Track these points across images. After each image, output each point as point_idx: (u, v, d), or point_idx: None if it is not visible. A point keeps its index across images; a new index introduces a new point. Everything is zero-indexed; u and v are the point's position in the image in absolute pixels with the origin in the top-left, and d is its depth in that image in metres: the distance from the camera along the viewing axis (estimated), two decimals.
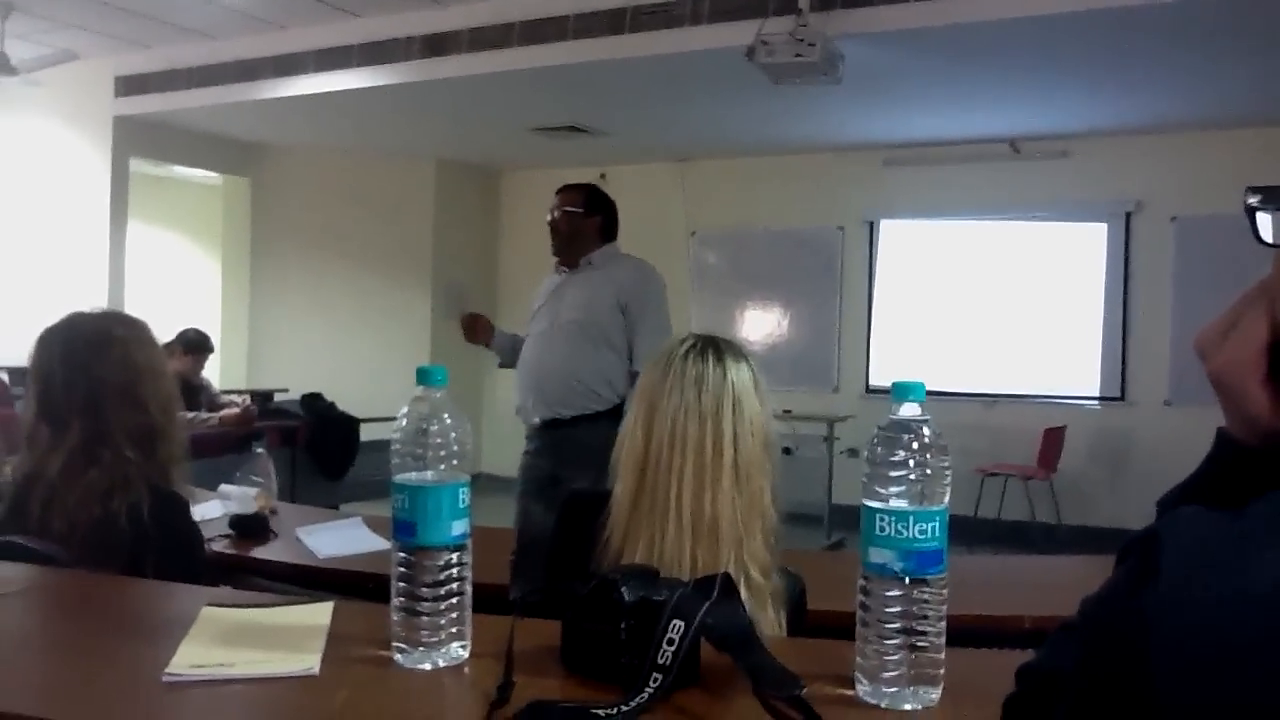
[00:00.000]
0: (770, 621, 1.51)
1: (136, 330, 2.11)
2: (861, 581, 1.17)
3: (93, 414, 1.97)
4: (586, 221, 4.14)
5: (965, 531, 6.88)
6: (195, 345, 6.02)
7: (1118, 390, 7.77)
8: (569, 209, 4.14)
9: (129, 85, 7.67)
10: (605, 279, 4.07)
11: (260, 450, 3.24)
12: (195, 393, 5.81)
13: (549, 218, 4.17)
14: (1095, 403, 7.84)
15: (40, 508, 1.93)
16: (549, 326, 4.08)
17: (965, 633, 1.30)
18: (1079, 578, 2.59)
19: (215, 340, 6.43)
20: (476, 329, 4.23)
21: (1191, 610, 0.55)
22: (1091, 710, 0.60)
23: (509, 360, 4.27)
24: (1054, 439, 7.36)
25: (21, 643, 1.42)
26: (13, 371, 6.87)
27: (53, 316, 2.09)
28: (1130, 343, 7.72)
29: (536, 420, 4.00)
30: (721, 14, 5.59)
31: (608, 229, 4.20)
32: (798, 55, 5.07)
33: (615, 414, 3.90)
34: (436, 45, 6.47)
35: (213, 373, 6.78)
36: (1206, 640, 0.54)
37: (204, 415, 5.65)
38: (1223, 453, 0.73)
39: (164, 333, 2.26)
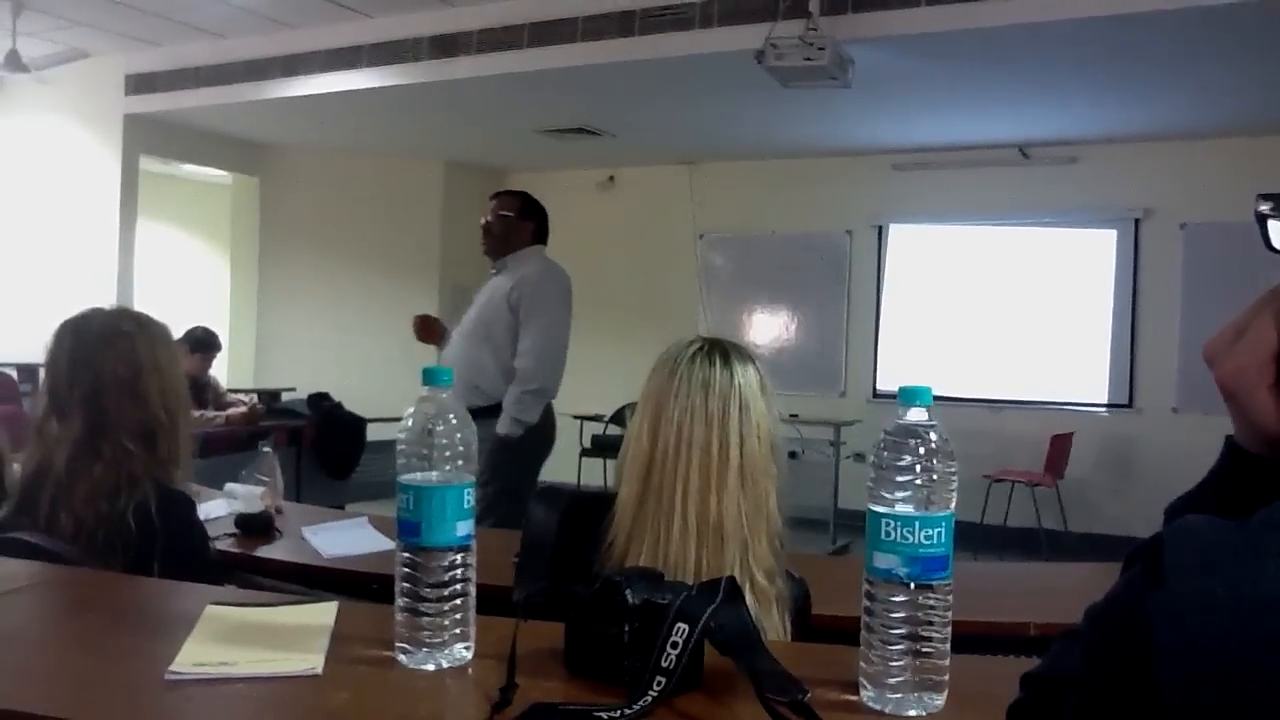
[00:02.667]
0: (775, 625, 1.50)
1: (148, 328, 2.11)
2: (866, 586, 1.16)
3: (95, 406, 1.98)
4: (519, 225, 4.28)
5: (971, 538, 6.86)
6: (202, 344, 6.03)
7: (1125, 397, 7.75)
8: (503, 212, 4.29)
9: (139, 83, 7.69)
10: (507, 279, 4.21)
11: (266, 449, 3.24)
12: (202, 391, 5.82)
13: (483, 220, 4.31)
14: (1103, 409, 7.82)
15: (48, 504, 1.94)
16: (461, 325, 4.31)
17: (971, 639, 1.30)
18: (1085, 585, 2.58)
19: (223, 339, 6.45)
20: (429, 330, 4.41)
21: (1196, 617, 0.54)
22: (1096, 717, 0.60)
23: None
24: (1061, 445, 7.34)
25: (26, 640, 1.42)
26: (20, 368, 6.90)
27: (60, 314, 2.10)
28: (1138, 350, 7.70)
29: None
30: (731, 17, 5.59)
31: (539, 234, 4.34)
32: (807, 59, 5.07)
33: (492, 411, 4.05)
34: (446, 46, 6.48)
35: (220, 371, 6.79)
36: (1212, 647, 0.53)
37: (210, 414, 5.65)
38: (1231, 461, 0.73)
39: (172, 331, 2.26)
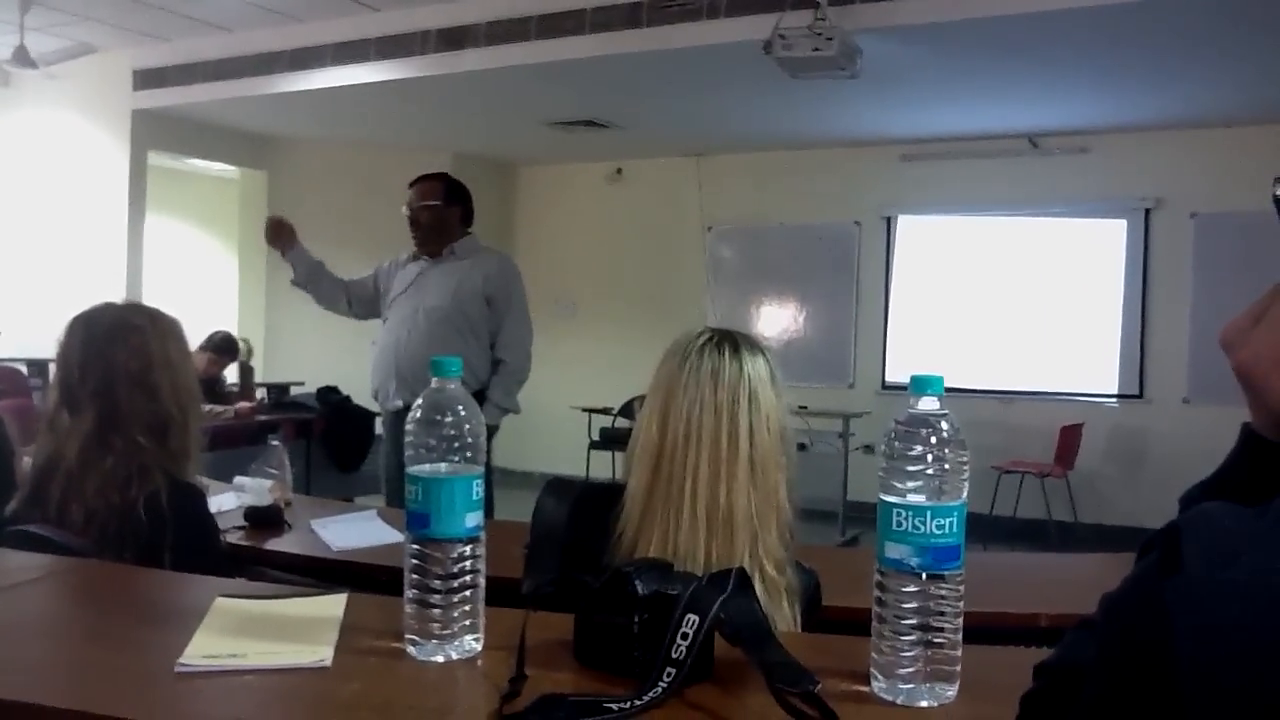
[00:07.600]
0: (785, 616, 1.50)
1: (159, 323, 2.12)
2: (877, 577, 1.15)
3: (106, 399, 1.99)
4: (447, 212, 4.24)
5: (981, 529, 6.85)
6: (220, 347, 6.13)
7: (1136, 388, 7.73)
8: (428, 202, 4.22)
9: (147, 78, 7.69)
10: (471, 269, 4.19)
11: (276, 442, 3.24)
12: (214, 389, 5.90)
13: (406, 211, 4.23)
14: (1113, 400, 7.80)
15: (59, 496, 1.94)
16: (412, 312, 4.22)
17: (981, 629, 1.29)
18: (1095, 576, 2.57)
19: (232, 333, 6.49)
20: (280, 233, 4.38)
21: (1215, 605, 0.54)
22: (1113, 705, 0.60)
23: (302, 278, 4.49)
24: (1071, 436, 7.33)
25: (36, 631, 1.42)
26: (30, 363, 6.92)
27: (69, 309, 2.10)
28: (1149, 340, 7.67)
29: (399, 404, 4.19)
30: (739, 7, 5.57)
31: (466, 217, 4.30)
32: (815, 49, 5.06)
33: (476, 399, 4.02)
34: (453, 39, 6.48)
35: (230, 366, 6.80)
36: (1231, 635, 0.53)
37: (219, 409, 5.69)
38: (1247, 448, 0.72)
39: (183, 326, 2.25)
